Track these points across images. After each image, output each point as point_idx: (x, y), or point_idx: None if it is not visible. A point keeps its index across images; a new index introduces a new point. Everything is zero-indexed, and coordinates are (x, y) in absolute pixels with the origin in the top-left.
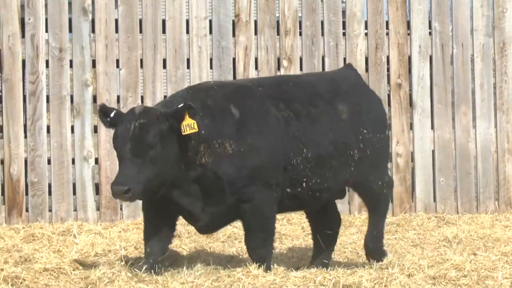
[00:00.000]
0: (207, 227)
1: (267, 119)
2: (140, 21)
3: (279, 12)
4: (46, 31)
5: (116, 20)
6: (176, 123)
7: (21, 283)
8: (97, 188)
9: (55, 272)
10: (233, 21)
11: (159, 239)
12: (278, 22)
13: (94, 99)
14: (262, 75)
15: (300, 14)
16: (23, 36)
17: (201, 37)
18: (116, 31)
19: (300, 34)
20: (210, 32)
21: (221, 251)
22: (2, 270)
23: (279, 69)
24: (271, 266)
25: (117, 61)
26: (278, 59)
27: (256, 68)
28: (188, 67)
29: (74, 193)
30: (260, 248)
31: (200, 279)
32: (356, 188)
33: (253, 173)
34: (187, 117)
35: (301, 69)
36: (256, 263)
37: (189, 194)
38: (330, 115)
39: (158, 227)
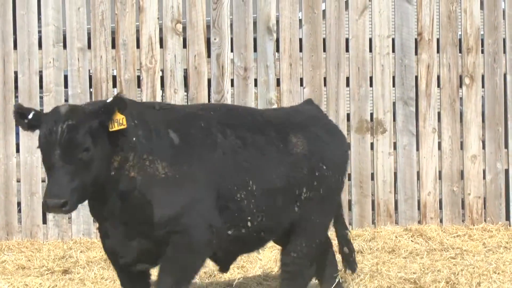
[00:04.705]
0: (131, 263)
1: (210, 150)
2: (324, 40)
3: (461, 30)
4: (232, 50)
5: (300, 39)
6: (107, 119)
7: None
8: None
9: None
10: (416, 40)
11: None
12: (460, 40)
13: None
14: (444, 93)
15: (482, 32)
16: (208, 55)
17: (384, 55)
18: (300, 50)
19: (482, 51)
20: (393, 50)
21: (403, 267)
22: None
23: (461, 86)
24: None
25: (301, 79)
26: (460, 77)
27: (438, 86)
28: (371, 85)
29: None
30: None
31: None
32: (295, 229)
33: (188, 205)
34: (116, 111)
35: (483, 86)
36: None
37: (114, 210)
38: (280, 149)
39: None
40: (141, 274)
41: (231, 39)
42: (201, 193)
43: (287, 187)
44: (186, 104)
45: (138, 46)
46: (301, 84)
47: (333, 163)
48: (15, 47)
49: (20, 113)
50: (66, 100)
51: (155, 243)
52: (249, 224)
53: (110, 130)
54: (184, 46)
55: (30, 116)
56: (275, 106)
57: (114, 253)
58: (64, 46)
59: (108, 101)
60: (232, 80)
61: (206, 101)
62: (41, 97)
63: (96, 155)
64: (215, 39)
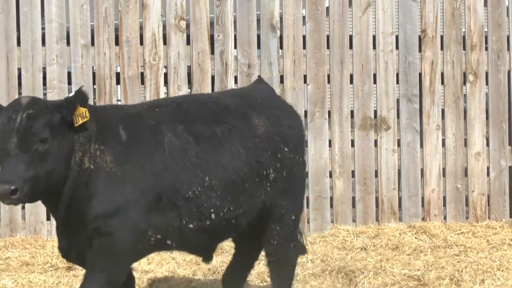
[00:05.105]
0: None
1: (155, 151)
2: (328, 37)
3: (465, 27)
4: (235, 47)
5: (304, 37)
6: (69, 114)
7: None
8: None
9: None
10: (419, 36)
11: None
12: (464, 37)
13: None
14: (448, 90)
15: (486, 29)
16: (212, 52)
17: (387, 52)
18: (304, 47)
19: (486, 48)
20: (397, 47)
21: (407, 263)
22: (191, 282)
23: (464, 83)
24: None
25: (305, 76)
26: (464, 74)
27: (442, 82)
28: (375, 82)
29: None
30: None
31: None
32: (265, 216)
33: (121, 206)
34: (78, 106)
35: (487, 83)
36: None
37: (66, 206)
38: (242, 131)
39: None
40: None
41: (235, 36)
42: (137, 195)
43: (255, 170)
44: (138, 103)
45: (141, 43)
46: (305, 81)
47: (292, 145)
48: (18, 43)
49: None
50: None
51: (86, 240)
52: (213, 216)
53: (76, 125)
54: (188, 43)
55: None
56: None
57: (63, 253)
58: (68, 43)
59: (70, 95)
60: (236, 77)
61: None
62: (44, 94)
63: (53, 149)
64: (218, 36)
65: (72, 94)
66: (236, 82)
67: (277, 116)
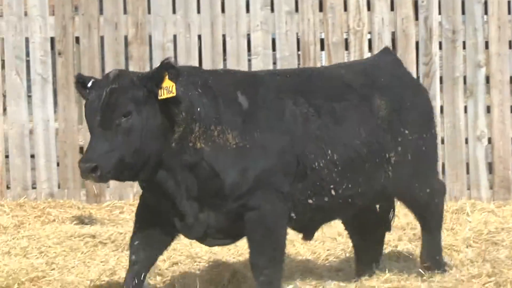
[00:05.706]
0: (202, 238)
1: (281, 114)
2: None
3: None
4: (439, 13)
5: (509, 2)
6: (156, 87)
7: (406, 261)
8: (490, 167)
9: (448, 250)
10: None
11: (148, 245)
12: None
13: (487, 80)
14: None
15: None
16: (416, 18)
17: None
18: (509, 13)
19: None
20: None
21: None
22: (396, 247)
23: None
24: None
25: (510, 42)
26: None
27: None
28: None
29: (468, 172)
30: (268, 269)
31: None
32: (400, 197)
33: (260, 176)
34: (166, 78)
35: None
36: (261, 286)
37: (179, 183)
38: (363, 112)
39: (150, 230)
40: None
41: (439, 1)
42: (273, 161)
43: (374, 152)
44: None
45: (345, 9)
46: (510, 47)
47: (416, 125)
48: (222, 10)
49: (81, 83)
50: (274, 63)
51: (227, 215)
52: (333, 192)
53: (160, 98)
54: (392, 9)
55: (90, 85)
56: (483, 68)
57: (183, 229)
58: (272, 10)
59: (157, 66)
60: (440, 43)
61: (414, 64)
62: (249, 60)
63: (139, 124)
64: (422, 2)
65: (159, 65)
66: (440, 48)
67: (401, 96)
